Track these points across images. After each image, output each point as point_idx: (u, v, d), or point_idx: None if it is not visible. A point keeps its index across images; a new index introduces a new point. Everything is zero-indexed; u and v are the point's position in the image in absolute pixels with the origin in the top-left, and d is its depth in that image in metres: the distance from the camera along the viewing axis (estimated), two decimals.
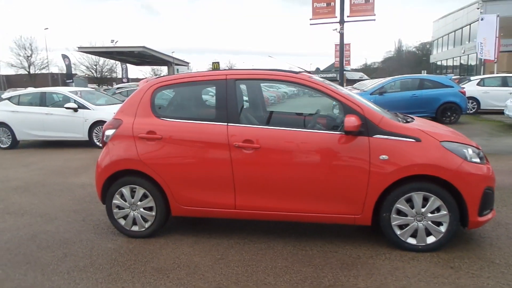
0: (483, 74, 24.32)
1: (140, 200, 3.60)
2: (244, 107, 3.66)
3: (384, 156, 3.09)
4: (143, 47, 21.93)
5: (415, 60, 68.69)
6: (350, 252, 3.22)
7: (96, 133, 9.30)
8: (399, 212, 3.16)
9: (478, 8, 32.28)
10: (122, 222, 3.68)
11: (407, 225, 3.17)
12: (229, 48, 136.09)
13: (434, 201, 3.09)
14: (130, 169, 3.56)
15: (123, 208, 3.65)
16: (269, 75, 3.51)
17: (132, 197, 3.61)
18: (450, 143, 3.13)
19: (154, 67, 45.51)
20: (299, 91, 4.71)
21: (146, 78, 4.03)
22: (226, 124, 3.37)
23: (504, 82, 14.18)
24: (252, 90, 4.00)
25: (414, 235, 3.17)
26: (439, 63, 48.28)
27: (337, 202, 3.24)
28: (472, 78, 15.87)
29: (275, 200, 3.32)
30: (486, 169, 3.15)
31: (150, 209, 3.59)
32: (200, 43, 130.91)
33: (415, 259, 3.05)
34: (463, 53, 38.09)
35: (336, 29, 12.68)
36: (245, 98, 3.85)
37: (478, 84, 14.38)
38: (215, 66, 51.82)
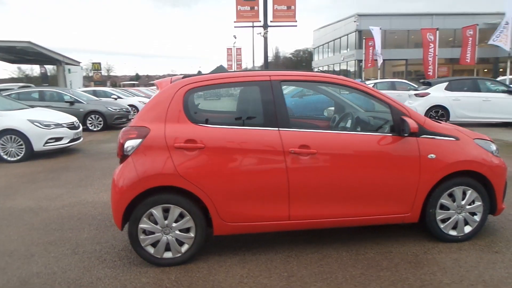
0: (362, 79, 27.39)
1: (176, 221, 3.06)
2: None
3: (432, 155, 3.25)
4: (29, 42, 18.76)
5: (291, 65, 75.72)
6: (402, 250, 3.29)
7: (3, 145, 7.65)
8: (442, 207, 3.37)
9: (354, 21, 36.74)
10: (150, 250, 3.07)
11: (449, 218, 3.39)
12: (106, 49, 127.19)
13: (472, 194, 3.37)
14: (163, 186, 3.00)
15: (152, 233, 3.05)
16: (316, 76, 3.37)
17: (165, 218, 3.04)
18: (480, 140, 3.47)
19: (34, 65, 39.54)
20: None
21: (168, 76, 3.44)
22: (277, 129, 3.11)
23: (476, 87, 11.56)
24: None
25: (454, 227, 3.42)
26: (320, 68, 53.29)
27: (389, 203, 3.28)
28: (432, 80, 12.93)
29: (331, 206, 3.19)
30: (502, 161, 3.58)
31: (187, 230, 3.08)
32: (71, 43, 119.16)
33: (463, 249, 3.28)
34: (343, 60, 42.81)
35: (260, 33, 12.95)
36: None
37: (446, 88, 11.46)
38: (96, 66, 47.72)
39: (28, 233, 3.92)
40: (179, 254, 3.09)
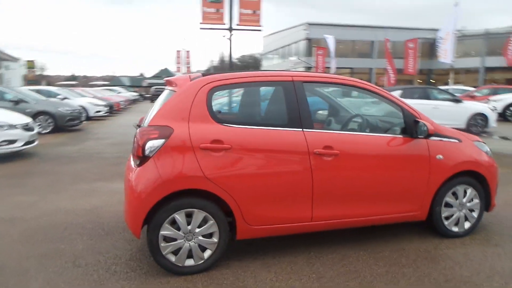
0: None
1: (199, 226, 2.90)
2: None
3: (440, 155, 3.43)
4: None
5: (235, 69, 76.93)
6: (413, 247, 3.42)
7: None
8: (446, 205, 3.56)
9: (304, 29, 37.96)
10: (172, 258, 2.87)
11: (452, 215, 3.59)
12: (38, 47, 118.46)
13: (471, 192, 3.62)
14: (187, 189, 2.83)
15: (174, 240, 2.86)
16: (336, 79, 3.39)
17: (188, 224, 2.87)
18: (477, 142, 3.73)
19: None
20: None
21: (184, 74, 3.26)
22: (301, 129, 3.09)
23: (426, 95, 11.99)
24: (313, 94, 3.70)
25: (456, 223, 3.63)
26: None
27: (403, 202, 3.40)
28: (388, 88, 12.99)
29: (351, 206, 3.24)
30: (494, 161, 3.87)
31: (210, 235, 2.94)
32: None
33: (466, 244, 3.49)
34: (292, 66, 43.91)
35: (225, 36, 12.85)
36: None
37: (401, 95, 10.84)
38: (30, 64, 44.32)
39: (11, 246, 3.48)
40: (202, 261, 2.93)
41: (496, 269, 3.01)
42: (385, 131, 3.52)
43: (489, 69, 37.17)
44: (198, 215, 2.87)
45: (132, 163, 3.04)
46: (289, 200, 3.06)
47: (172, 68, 53.21)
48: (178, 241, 2.87)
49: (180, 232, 2.86)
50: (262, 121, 3.22)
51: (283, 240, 3.50)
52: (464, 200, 3.60)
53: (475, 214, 3.67)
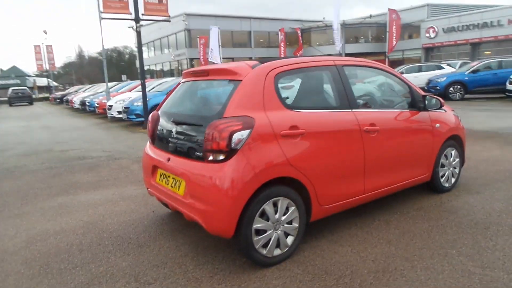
0: None
1: (284, 214, 2.88)
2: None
3: (437, 124, 4.07)
4: None
5: (97, 64, 71.72)
6: (427, 205, 3.99)
7: None
8: (442, 166, 4.26)
9: (183, 20, 37.28)
10: (263, 251, 2.80)
11: (444, 174, 4.31)
12: None
13: (455, 152, 4.40)
14: (276, 178, 2.78)
15: (264, 232, 2.79)
16: (362, 62, 3.67)
17: (275, 212, 2.83)
18: (453, 111, 4.52)
19: None
20: None
21: (238, 62, 3.02)
22: (350, 110, 3.30)
23: None
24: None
25: (447, 180, 4.36)
26: (146, 67, 51.75)
27: (419, 167, 3.95)
28: None
29: (387, 175, 3.62)
30: None
31: (290, 222, 2.95)
32: None
33: (459, 196, 4.24)
34: (173, 58, 42.84)
35: (132, 27, 11.77)
36: None
37: None
38: None
39: (29, 283, 2.83)
40: (287, 248, 2.93)
41: (497, 211, 3.77)
42: (400, 107, 3.98)
43: (348, 55, 42.90)
44: (283, 203, 2.85)
45: (185, 163, 2.83)
46: (349, 176, 3.27)
47: (27, 65, 46.09)
48: (268, 232, 2.80)
49: (269, 223, 2.80)
50: (321, 104, 3.31)
51: (323, 220, 3.69)
52: (451, 160, 4.36)
53: (457, 171, 4.48)
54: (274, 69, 2.96)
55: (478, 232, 3.28)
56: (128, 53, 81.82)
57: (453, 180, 4.43)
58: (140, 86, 17.32)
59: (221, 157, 2.66)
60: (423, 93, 4.00)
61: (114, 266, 3.01)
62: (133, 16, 11.45)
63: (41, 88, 64.06)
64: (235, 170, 2.62)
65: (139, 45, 11.82)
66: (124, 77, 42.58)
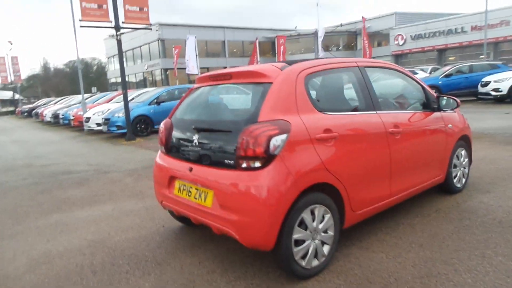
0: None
1: (320, 222, 2.74)
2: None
3: (450, 125, 4.08)
4: None
5: (64, 76, 70.01)
6: (445, 206, 3.96)
7: None
8: (454, 166, 4.26)
9: (156, 30, 36.79)
10: (302, 262, 2.64)
11: (457, 174, 4.32)
12: None
13: (465, 153, 4.42)
14: (313, 184, 2.63)
15: (303, 242, 2.63)
16: (381, 63, 3.61)
17: (313, 221, 2.68)
18: (460, 112, 4.55)
19: None
20: None
21: (264, 64, 2.86)
22: (375, 112, 3.23)
23: None
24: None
25: (458, 180, 4.36)
26: (119, 80, 50.59)
27: (435, 168, 3.92)
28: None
29: (410, 178, 3.55)
30: None
31: (326, 230, 2.81)
32: None
33: (472, 196, 4.24)
34: (146, 69, 42.12)
35: (112, 35, 11.35)
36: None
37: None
38: None
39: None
40: (324, 258, 2.78)
41: (510, 206, 3.81)
42: (414, 108, 3.95)
43: None
44: (320, 210, 2.71)
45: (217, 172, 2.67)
46: (378, 180, 3.18)
47: None
48: (306, 242, 2.65)
49: (308, 232, 2.65)
50: (349, 106, 3.21)
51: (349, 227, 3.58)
52: (462, 160, 4.37)
53: (466, 170, 4.50)
54: (303, 70, 2.84)
55: (506, 231, 3.26)
56: (96, 65, 79.86)
57: (463, 180, 4.44)
58: (118, 97, 16.92)
59: (257, 164, 2.49)
60: (433, 94, 4.00)
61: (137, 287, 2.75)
62: (113, 24, 11.09)
63: (4, 102, 61.14)
64: (274, 178, 2.46)
65: (120, 54, 11.45)
66: (94, 89, 41.39)
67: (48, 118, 20.67)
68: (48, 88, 73.70)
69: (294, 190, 2.50)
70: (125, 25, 11.36)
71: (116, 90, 40.15)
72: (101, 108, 14.27)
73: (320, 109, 2.82)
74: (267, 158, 2.47)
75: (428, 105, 3.91)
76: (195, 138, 2.95)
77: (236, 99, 3.16)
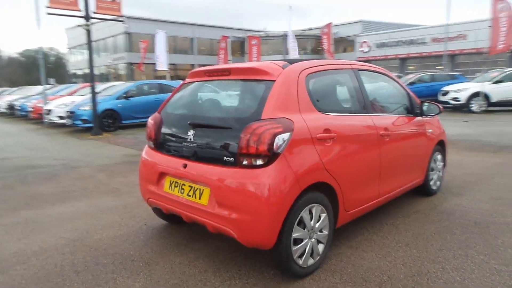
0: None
1: (317, 221, 2.75)
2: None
3: (430, 130, 4.25)
4: None
5: (19, 65, 66.60)
6: (424, 207, 4.13)
7: None
8: (432, 169, 4.44)
9: (123, 23, 35.57)
10: (299, 261, 2.63)
11: (433, 177, 4.50)
12: None
13: (441, 157, 4.63)
14: (313, 183, 2.64)
15: (301, 241, 2.63)
16: (372, 67, 3.68)
17: (310, 220, 2.69)
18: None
19: None
20: None
21: (265, 62, 2.79)
22: (367, 114, 3.29)
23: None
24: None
25: (434, 182, 4.55)
26: (80, 72, 48.45)
27: (416, 171, 4.06)
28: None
29: (395, 180, 3.66)
30: None
31: (321, 229, 2.82)
32: None
33: (447, 199, 4.45)
34: (110, 62, 40.61)
35: (81, 25, 10.78)
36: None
37: None
38: None
39: None
40: (318, 257, 2.79)
41: (482, 208, 4.02)
42: (398, 112, 4.06)
43: None
44: (317, 209, 2.72)
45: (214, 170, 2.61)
46: (369, 180, 3.24)
47: None
48: (304, 241, 2.65)
49: (305, 231, 2.65)
50: (346, 107, 3.23)
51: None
52: (438, 164, 4.57)
53: (441, 174, 4.71)
54: (304, 69, 2.84)
55: (483, 231, 3.44)
56: (54, 56, 75.99)
57: (438, 183, 4.65)
58: (82, 90, 16.18)
59: (260, 161, 2.45)
60: (417, 100, 4.15)
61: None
62: (83, 14, 10.58)
63: None
64: (277, 176, 2.43)
65: (89, 46, 10.93)
66: (52, 80, 39.29)
67: (2, 108, 19.39)
68: (1, 78, 69.26)
69: (296, 189, 2.49)
70: (95, 16, 10.86)
71: (76, 82, 38.38)
72: (65, 100, 13.58)
73: (319, 109, 2.83)
74: (270, 156, 2.44)
75: (412, 110, 4.05)
76: (191, 134, 2.86)
77: (235, 95, 3.10)
